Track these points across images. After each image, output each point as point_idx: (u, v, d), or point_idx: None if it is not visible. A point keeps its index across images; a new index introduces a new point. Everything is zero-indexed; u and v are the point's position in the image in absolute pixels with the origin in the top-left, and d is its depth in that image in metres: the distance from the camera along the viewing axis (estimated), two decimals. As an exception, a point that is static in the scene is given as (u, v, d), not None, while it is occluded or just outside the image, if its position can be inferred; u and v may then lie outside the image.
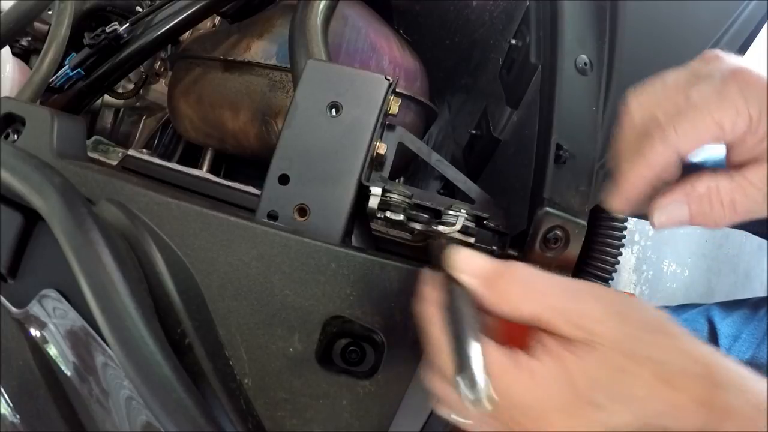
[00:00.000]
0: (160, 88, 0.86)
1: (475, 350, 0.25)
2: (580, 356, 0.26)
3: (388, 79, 0.45)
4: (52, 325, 0.41)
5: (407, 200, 0.43)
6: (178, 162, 0.74)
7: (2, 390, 0.41)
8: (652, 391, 0.24)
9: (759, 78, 0.27)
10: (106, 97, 0.83)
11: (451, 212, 0.42)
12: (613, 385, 0.25)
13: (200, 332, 0.39)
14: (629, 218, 0.51)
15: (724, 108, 0.27)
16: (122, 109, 0.89)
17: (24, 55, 0.75)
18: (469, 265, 0.29)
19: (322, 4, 0.54)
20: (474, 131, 0.66)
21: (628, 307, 0.27)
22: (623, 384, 0.25)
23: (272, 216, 0.44)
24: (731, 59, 0.28)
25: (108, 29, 0.62)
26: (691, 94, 0.27)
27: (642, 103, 0.29)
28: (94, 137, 0.78)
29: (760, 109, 0.26)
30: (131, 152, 0.64)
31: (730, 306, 0.83)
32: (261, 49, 0.67)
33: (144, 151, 0.75)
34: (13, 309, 0.42)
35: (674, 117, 0.28)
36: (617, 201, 0.30)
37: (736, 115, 0.27)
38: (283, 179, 0.44)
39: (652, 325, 0.27)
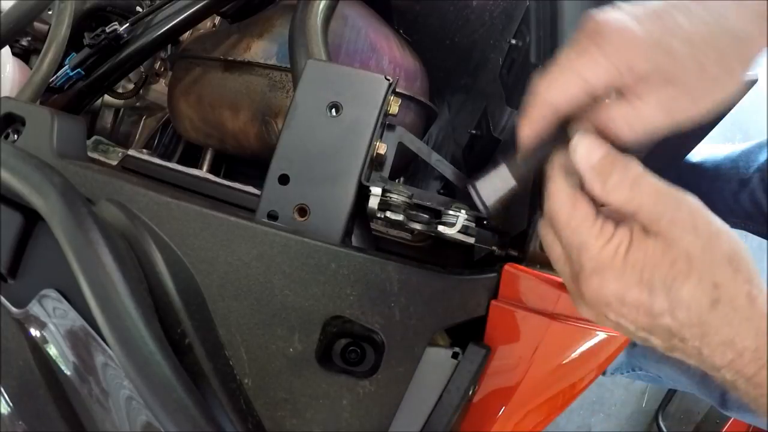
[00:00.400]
0: (160, 88, 0.86)
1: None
2: (657, 246, 0.30)
3: (388, 79, 0.45)
4: (52, 325, 0.41)
5: (407, 200, 0.43)
6: (178, 162, 0.74)
7: (2, 390, 0.41)
8: (694, 297, 0.29)
9: (619, 29, 0.30)
10: (106, 97, 0.83)
11: (451, 212, 0.42)
12: (669, 279, 0.29)
13: (200, 332, 0.39)
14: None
15: (582, 62, 0.31)
16: (122, 109, 0.89)
17: (24, 55, 0.75)
18: (587, 156, 0.32)
19: (322, 4, 0.54)
20: (474, 131, 0.66)
21: (715, 236, 0.30)
22: (676, 281, 0.29)
23: (272, 216, 0.44)
24: (599, 16, 0.31)
25: (108, 29, 0.62)
26: (559, 57, 0.32)
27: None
28: (94, 137, 0.78)
29: (621, 58, 0.30)
30: (131, 152, 0.64)
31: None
32: (261, 49, 0.67)
33: (144, 151, 0.75)
34: (13, 309, 0.42)
35: (546, 77, 0.32)
36: (519, 156, 0.35)
37: (595, 66, 0.30)
38: (283, 179, 0.44)
39: (726, 257, 0.29)
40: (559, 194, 0.33)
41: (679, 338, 0.30)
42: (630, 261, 0.30)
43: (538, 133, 0.34)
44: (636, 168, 0.31)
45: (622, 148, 0.33)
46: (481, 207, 0.34)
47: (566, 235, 0.32)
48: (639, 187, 0.31)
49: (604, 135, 0.33)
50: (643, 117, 0.31)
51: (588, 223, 0.32)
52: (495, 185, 0.34)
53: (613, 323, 0.32)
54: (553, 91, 0.32)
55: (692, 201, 0.31)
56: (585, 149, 0.32)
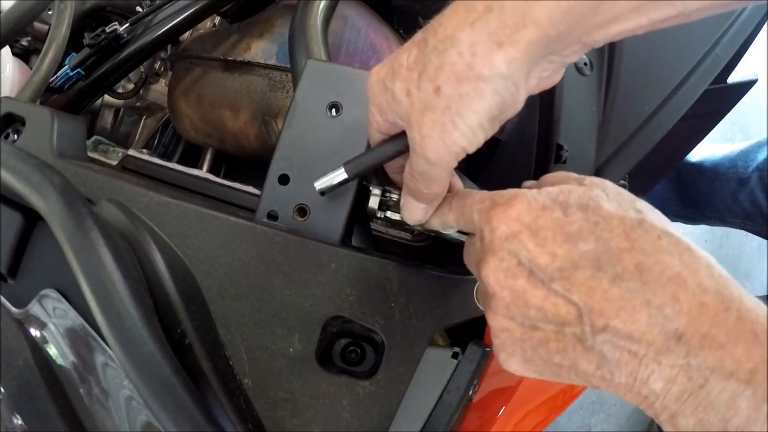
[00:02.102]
0: (160, 88, 0.86)
1: None
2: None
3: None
4: (52, 325, 0.41)
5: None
6: (178, 162, 0.74)
7: (2, 390, 0.41)
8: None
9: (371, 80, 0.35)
10: (106, 97, 0.83)
11: (451, 212, 0.42)
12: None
13: (200, 332, 0.39)
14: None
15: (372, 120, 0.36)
16: (122, 109, 0.89)
17: (24, 55, 0.75)
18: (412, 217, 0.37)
19: (322, 4, 0.54)
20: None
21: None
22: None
23: (272, 216, 0.44)
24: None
25: (108, 29, 0.62)
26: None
27: None
28: (94, 137, 0.78)
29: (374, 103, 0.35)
30: (131, 152, 0.64)
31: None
32: (261, 49, 0.67)
33: (144, 151, 0.75)
34: (13, 309, 0.42)
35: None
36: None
37: (376, 117, 0.35)
38: (283, 179, 0.44)
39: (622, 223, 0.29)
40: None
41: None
42: (546, 191, 0.30)
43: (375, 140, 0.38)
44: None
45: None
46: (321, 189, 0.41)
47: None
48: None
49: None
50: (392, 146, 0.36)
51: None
52: (332, 178, 0.40)
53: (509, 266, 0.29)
54: (370, 128, 0.37)
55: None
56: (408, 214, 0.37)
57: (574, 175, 0.33)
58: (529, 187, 0.32)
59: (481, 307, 0.34)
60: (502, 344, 0.30)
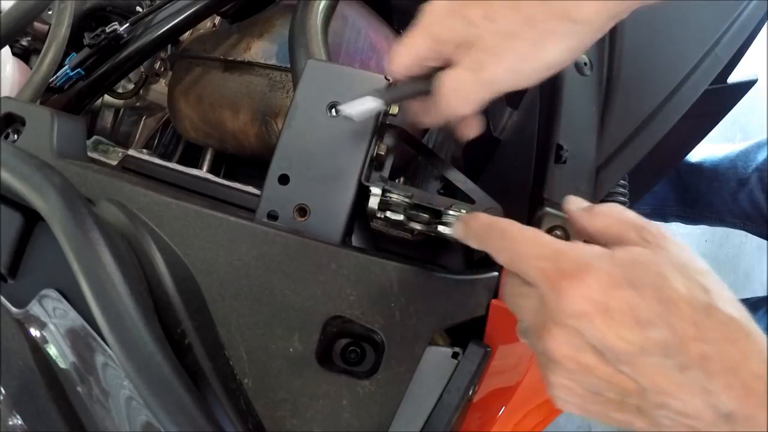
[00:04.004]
0: (160, 88, 0.86)
1: None
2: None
3: (388, 79, 0.45)
4: (52, 325, 0.41)
5: (407, 200, 0.43)
6: (178, 162, 0.74)
7: (2, 390, 0.41)
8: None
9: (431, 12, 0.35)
10: (106, 97, 0.83)
11: (451, 212, 0.42)
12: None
13: (200, 332, 0.39)
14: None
15: (412, 41, 0.36)
16: (122, 109, 0.89)
17: (24, 55, 0.75)
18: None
19: (322, 4, 0.54)
20: (474, 131, 0.66)
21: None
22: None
23: (272, 216, 0.44)
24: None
25: (108, 29, 0.62)
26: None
27: None
28: (94, 137, 0.78)
29: (432, 33, 0.35)
30: (131, 152, 0.64)
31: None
32: (261, 49, 0.67)
33: (144, 151, 0.75)
34: (13, 309, 0.42)
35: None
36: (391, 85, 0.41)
37: (418, 42, 0.36)
38: (283, 179, 0.44)
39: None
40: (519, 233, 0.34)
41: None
42: (616, 260, 0.29)
43: (405, 71, 0.38)
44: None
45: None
46: (349, 115, 0.40)
47: (534, 254, 0.31)
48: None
49: (437, 97, 0.37)
50: (455, 75, 0.35)
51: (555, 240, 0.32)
52: (364, 104, 0.40)
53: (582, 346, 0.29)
54: (403, 57, 0.38)
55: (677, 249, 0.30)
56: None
57: (632, 217, 0.32)
58: (582, 221, 0.33)
59: (524, 341, 0.34)
60: (560, 396, 0.31)
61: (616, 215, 0.33)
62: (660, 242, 0.30)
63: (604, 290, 0.28)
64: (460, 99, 0.36)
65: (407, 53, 0.37)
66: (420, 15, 0.36)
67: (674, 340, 0.27)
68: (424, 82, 0.38)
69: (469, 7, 0.33)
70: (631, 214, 0.32)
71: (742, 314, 0.28)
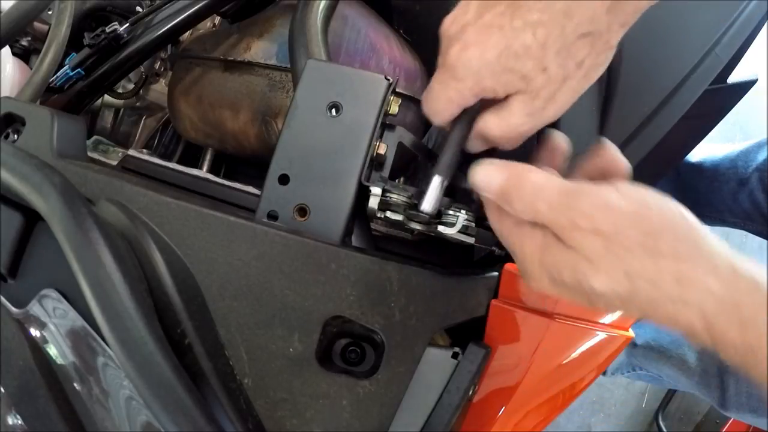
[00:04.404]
0: (160, 88, 0.86)
1: None
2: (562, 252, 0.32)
3: (388, 79, 0.45)
4: (52, 325, 0.41)
5: (407, 200, 0.43)
6: (178, 162, 0.74)
7: (2, 390, 0.41)
8: (607, 287, 0.31)
9: (465, 62, 0.34)
10: (106, 97, 0.83)
11: (451, 212, 0.42)
12: (576, 279, 0.31)
13: (200, 332, 0.39)
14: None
15: (448, 92, 0.36)
16: (122, 109, 0.89)
17: (24, 55, 0.75)
18: (488, 185, 0.35)
19: (322, 4, 0.54)
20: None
21: (622, 225, 0.30)
22: (583, 280, 0.31)
23: (272, 216, 0.44)
24: (453, 48, 0.35)
25: (108, 29, 0.62)
26: (434, 83, 0.37)
27: None
28: (94, 137, 0.78)
29: (475, 84, 0.35)
30: (131, 152, 0.64)
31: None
32: (261, 49, 0.67)
33: (144, 151, 0.75)
34: (13, 309, 0.42)
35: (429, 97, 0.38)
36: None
37: (458, 94, 0.36)
38: (283, 179, 0.44)
39: (638, 243, 0.30)
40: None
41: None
42: (545, 263, 0.32)
43: (446, 121, 0.38)
44: (531, 179, 0.33)
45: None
46: (432, 209, 0.39)
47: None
48: (539, 202, 0.32)
49: (484, 138, 0.37)
50: (508, 120, 0.36)
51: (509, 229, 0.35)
52: (435, 190, 0.39)
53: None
54: (436, 106, 0.37)
55: (594, 194, 0.31)
56: (483, 178, 0.35)
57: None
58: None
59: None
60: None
61: (535, 205, 0.34)
62: (572, 240, 0.33)
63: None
64: (514, 141, 0.38)
65: (452, 106, 0.36)
66: (455, 62, 0.34)
67: None
68: (466, 126, 0.38)
69: (520, 60, 0.33)
70: (546, 203, 0.33)
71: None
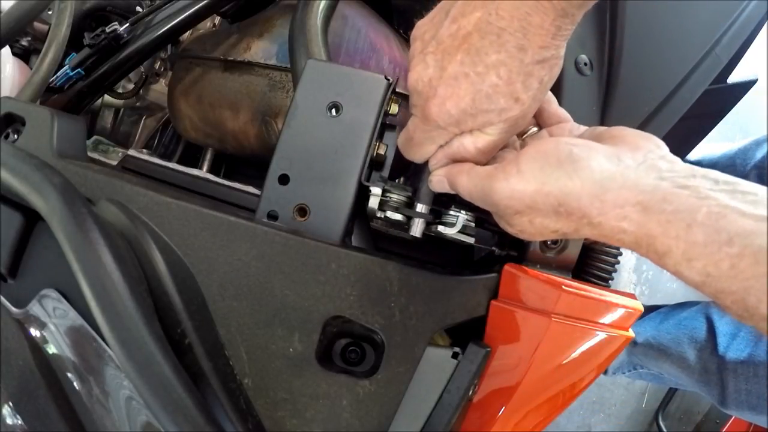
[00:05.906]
0: (160, 88, 0.86)
1: None
2: None
3: (388, 79, 0.45)
4: (52, 325, 0.41)
5: (407, 200, 0.43)
6: (178, 162, 0.74)
7: (2, 390, 0.41)
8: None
9: (434, 110, 0.36)
10: (106, 97, 0.83)
11: (451, 212, 0.42)
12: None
13: (200, 332, 0.39)
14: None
15: (426, 140, 0.39)
16: (122, 109, 0.89)
17: (24, 55, 0.75)
18: (441, 185, 0.40)
19: (322, 4, 0.54)
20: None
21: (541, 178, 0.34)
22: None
23: (272, 216, 0.44)
24: (431, 104, 0.37)
25: (108, 29, 0.62)
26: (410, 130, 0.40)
27: None
28: (94, 137, 0.78)
29: (446, 126, 0.37)
30: (131, 152, 0.64)
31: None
32: (261, 49, 0.67)
33: (144, 151, 0.75)
34: (13, 309, 0.42)
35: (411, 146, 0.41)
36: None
37: (435, 140, 0.39)
38: (283, 179, 0.44)
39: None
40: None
41: None
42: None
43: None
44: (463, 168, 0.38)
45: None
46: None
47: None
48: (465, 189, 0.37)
49: (461, 157, 0.39)
50: (485, 140, 0.38)
51: None
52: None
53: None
54: (421, 152, 0.40)
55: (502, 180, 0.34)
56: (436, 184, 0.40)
57: None
58: None
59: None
60: None
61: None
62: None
63: None
64: (489, 156, 0.39)
65: (434, 148, 0.40)
66: (436, 117, 0.36)
67: None
68: (442, 155, 0.40)
69: (492, 99, 0.35)
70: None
71: None
